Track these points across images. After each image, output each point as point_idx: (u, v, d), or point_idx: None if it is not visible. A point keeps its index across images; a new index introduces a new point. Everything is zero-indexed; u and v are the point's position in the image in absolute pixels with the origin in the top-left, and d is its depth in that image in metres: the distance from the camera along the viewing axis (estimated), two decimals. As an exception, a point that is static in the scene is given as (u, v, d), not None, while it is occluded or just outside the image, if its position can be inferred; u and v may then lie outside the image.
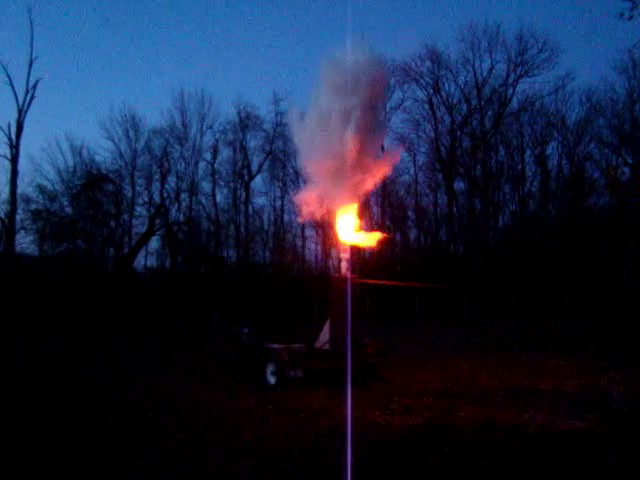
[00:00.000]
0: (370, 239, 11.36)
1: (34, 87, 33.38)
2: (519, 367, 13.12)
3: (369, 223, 38.48)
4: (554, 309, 27.16)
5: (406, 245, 39.96)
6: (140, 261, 38.89)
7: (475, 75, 39.22)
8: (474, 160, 38.51)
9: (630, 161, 32.30)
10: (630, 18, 8.33)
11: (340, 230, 11.26)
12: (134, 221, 39.20)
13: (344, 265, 10.82)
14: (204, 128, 40.32)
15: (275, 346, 11.18)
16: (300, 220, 12.88)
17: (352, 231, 11.17)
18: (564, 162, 38.69)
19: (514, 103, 39.23)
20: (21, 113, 33.33)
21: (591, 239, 32.42)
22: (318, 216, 11.83)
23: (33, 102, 33.63)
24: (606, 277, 30.19)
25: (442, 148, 39.29)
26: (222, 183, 40.56)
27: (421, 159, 40.57)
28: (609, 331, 20.55)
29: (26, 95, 33.36)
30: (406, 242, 40.18)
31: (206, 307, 29.69)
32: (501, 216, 40.26)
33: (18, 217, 33.94)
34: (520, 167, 39.68)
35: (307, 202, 11.50)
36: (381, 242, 12.11)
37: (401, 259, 37.50)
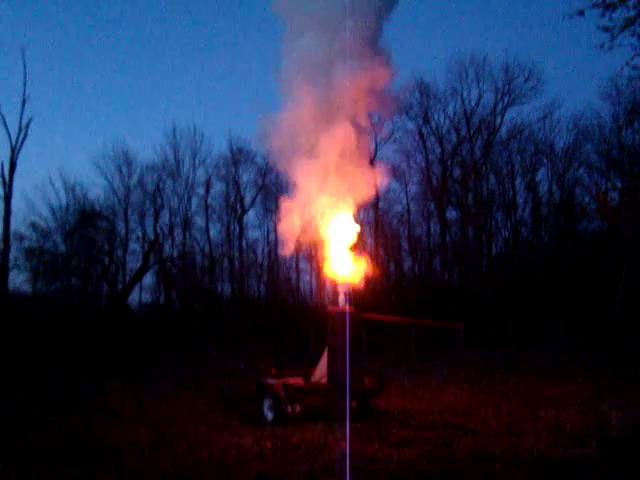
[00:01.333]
0: (360, 272, 11.24)
1: (27, 126, 33.61)
2: (517, 395, 13.06)
3: (363, 254, 38.53)
4: (550, 336, 27.17)
5: (400, 275, 40.01)
6: (134, 297, 38.82)
7: (464, 105, 39.81)
8: (465, 189, 38.81)
9: (619, 185, 32.69)
10: (610, 49, 8.51)
11: (333, 262, 11.20)
12: (128, 257, 39.24)
13: (341, 298, 10.74)
14: (197, 163, 40.65)
15: (272, 381, 11.08)
16: (285, 253, 12.42)
17: (346, 263, 11.10)
18: (554, 188, 39.12)
19: (503, 131, 39.80)
20: (14, 151, 33.48)
21: (585, 264, 32.54)
22: (303, 245, 11.67)
23: (26, 140, 33.79)
24: (601, 302, 30.26)
25: (433, 177, 39.65)
26: (215, 217, 40.76)
27: (413, 189, 40.88)
28: (606, 356, 20.55)
29: (19, 134, 33.56)
30: (400, 272, 40.24)
31: (202, 342, 29.53)
32: (494, 243, 40.49)
33: (11, 255, 33.89)
34: (511, 194, 40.05)
35: (289, 229, 11.28)
36: (372, 275, 11.99)
37: (396, 289, 37.49)
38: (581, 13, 8.55)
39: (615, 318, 27.61)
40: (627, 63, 8.73)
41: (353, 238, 11.26)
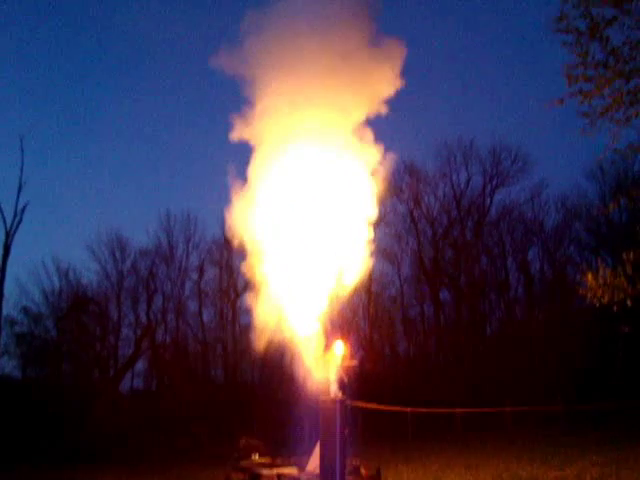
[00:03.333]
0: (350, 359, 11.02)
1: (22, 211, 33.76)
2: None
3: (353, 340, 38.35)
4: (549, 417, 26.74)
5: (395, 357, 39.63)
6: (126, 383, 38.16)
7: (453, 188, 40.56)
8: (458, 270, 39.03)
9: (610, 261, 33.01)
10: (590, 133, 8.81)
11: (320, 352, 11.00)
12: (120, 343, 38.77)
13: (333, 386, 10.48)
14: (190, 248, 40.82)
15: (265, 471, 10.81)
16: (256, 348, 12.04)
17: (336, 351, 10.90)
18: (546, 267, 39.42)
19: (492, 212, 40.41)
20: (9, 236, 33.49)
21: (581, 342, 32.44)
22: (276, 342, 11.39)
23: (21, 225, 33.89)
24: (600, 381, 30.03)
25: (425, 260, 39.86)
26: (208, 302, 40.59)
27: (405, 271, 41.03)
28: (610, 438, 20.13)
29: (14, 218, 33.66)
30: (395, 354, 39.87)
31: (193, 429, 28.94)
32: (488, 324, 40.41)
33: (2, 341, 33.48)
34: (503, 274, 40.26)
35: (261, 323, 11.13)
36: (366, 359, 11.83)
37: (391, 372, 37.05)
38: (560, 101, 8.88)
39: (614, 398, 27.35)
40: (607, 147, 9.00)
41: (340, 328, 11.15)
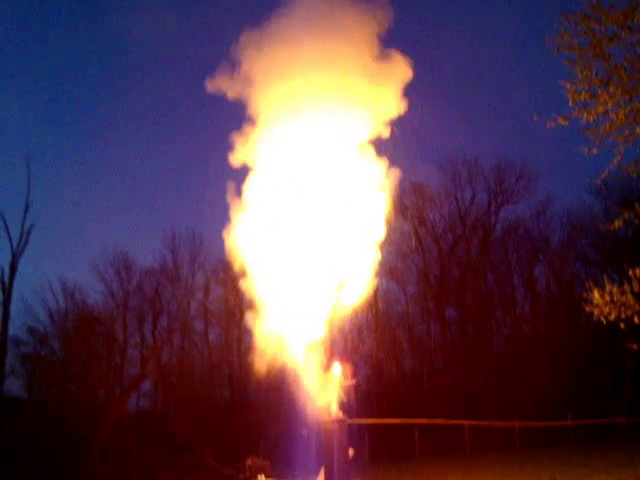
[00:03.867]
0: (350, 377, 10.87)
1: (29, 231, 33.94)
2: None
3: (363, 357, 38.24)
4: (558, 436, 26.50)
5: (402, 376, 39.40)
6: (132, 402, 38.02)
7: (458, 205, 40.50)
8: (464, 288, 38.89)
9: (617, 278, 32.83)
10: (593, 151, 8.82)
11: (320, 372, 10.88)
12: (126, 363, 38.70)
13: (334, 406, 10.31)
14: (195, 268, 40.83)
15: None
16: (258, 369, 11.86)
17: (334, 371, 10.75)
18: (552, 283, 39.26)
19: (498, 229, 40.31)
20: (15, 257, 33.65)
21: (589, 358, 32.25)
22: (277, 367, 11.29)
23: (27, 246, 34.04)
24: (609, 398, 29.81)
25: (431, 278, 39.74)
26: (214, 322, 40.51)
27: (411, 289, 40.91)
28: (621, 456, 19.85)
29: (20, 239, 33.84)
30: (402, 373, 39.64)
31: (199, 449, 28.74)
32: (494, 341, 40.16)
33: (8, 361, 33.48)
34: (510, 291, 40.10)
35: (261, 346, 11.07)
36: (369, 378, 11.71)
37: (397, 390, 36.83)
38: (564, 119, 8.89)
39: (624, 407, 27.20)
40: (611, 164, 8.99)
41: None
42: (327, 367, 10.75)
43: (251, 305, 11.63)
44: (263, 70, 11.39)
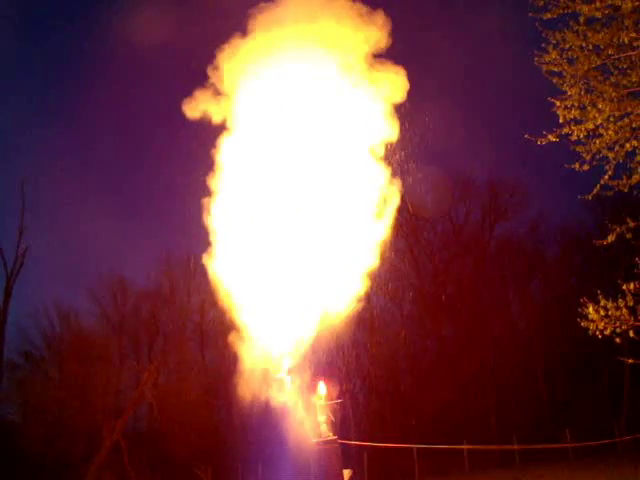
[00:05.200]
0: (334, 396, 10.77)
1: (23, 254, 33.86)
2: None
3: (359, 375, 38.11)
4: (557, 452, 26.35)
5: (398, 394, 39.23)
6: (128, 425, 37.66)
7: (452, 222, 40.58)
8: (460, 304, 38.88)
9: (611, 292, 32.74)
10: (583, 169, 8.93)
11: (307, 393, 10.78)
12: (122, 386, 38.35)
13: (323, 427, 10.18)
14: (191, 289, 40.67)
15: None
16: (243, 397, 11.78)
17: (320, 391, 10.63)
18: (548, 299, 39.29)
19: (493, 246, 40.35)
20: (9, 280, 33.53)
21: (586, 375, 32.25)
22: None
23: (22, 269, 33.92)
24: (606, 418, 29.74)
25: (427, 295, 39.71)
26: (210, 344, 40.32)
27: (407, 308, 40.84)
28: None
29: (15, 263, 33.73)
30: (398, 391, 39.47)
31: (197, 472, 28.57)
32: (492, 357, 40.03)
33: (3, 386, 33.21)
34: (505, 307, 40.10)
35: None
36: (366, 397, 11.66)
37: (394, 409, 36.68)
38: (555, 136, 8.99)
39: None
40: (602, 180, 9.09)
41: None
42: (313, 388, 10.69)
43: (235, 329, 11.67)
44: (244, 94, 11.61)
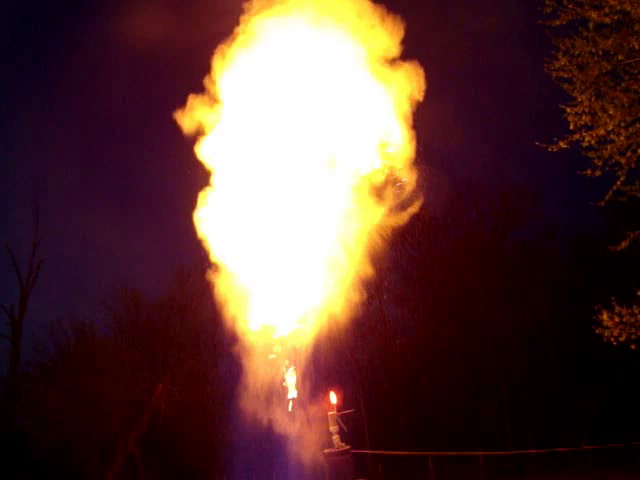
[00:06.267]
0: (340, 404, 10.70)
1: (37, 267, 34.08)
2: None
3: (373, 384, 38.02)
4: (576, 459, 26.13)
5: (413, 402, 39.09)
6: (142, 436, 37.69)
7: (464, 229, 40.48)
8: (473, 312, 38.73)
9: (626, 299, 32.48)
10: (595, 174, 8.92)
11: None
12: (136, 397, 38.41)
13: (335, 438, 10.07)
14: (204, 300, 40.71)
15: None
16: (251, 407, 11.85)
17: (331, 400, 10.56)
18: (562, 305, 39.10)
19: (505, 253, 40.21)
20: (24, 293, 33.73)
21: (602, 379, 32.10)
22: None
23: (37, 282, 34.13)
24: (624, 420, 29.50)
25: (439, 303, 39.61)
26: (224, 354, 40.33)
27: (419, 315, 40.74)
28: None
29: (29, 275, 33.93)
30: (414, 400, 39.32)
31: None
32: (510, 365, 39.85)
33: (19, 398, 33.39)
34: (520, 314, 39.82)
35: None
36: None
37: (409, 417, 36.57)
38: (566, 143, 8.98)
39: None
40: (615, 186, 9.07)
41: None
42: (321, 398, 10.68)
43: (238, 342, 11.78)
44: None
